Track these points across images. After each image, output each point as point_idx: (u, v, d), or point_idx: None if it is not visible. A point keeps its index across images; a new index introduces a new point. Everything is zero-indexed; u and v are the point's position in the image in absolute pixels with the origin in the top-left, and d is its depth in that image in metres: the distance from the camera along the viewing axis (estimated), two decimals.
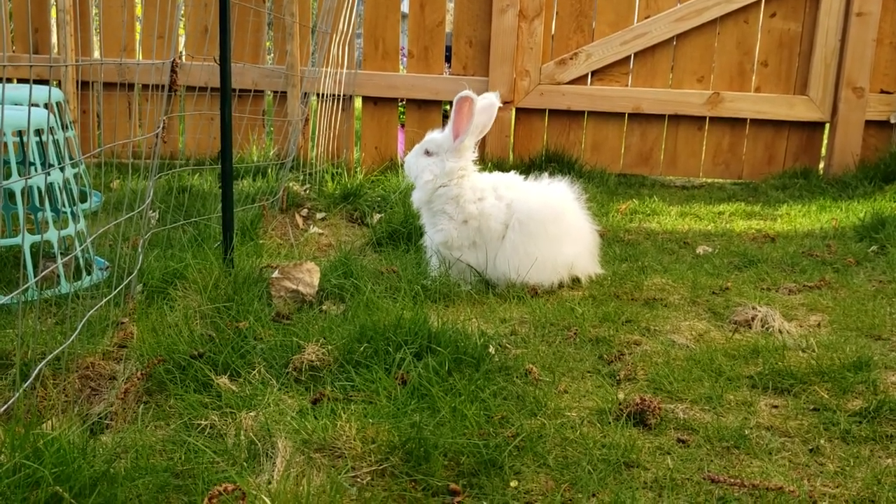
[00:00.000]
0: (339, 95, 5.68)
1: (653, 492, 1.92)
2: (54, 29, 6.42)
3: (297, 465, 1.87)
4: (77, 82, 6.30)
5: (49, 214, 3.40)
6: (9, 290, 3.30)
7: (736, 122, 6.18)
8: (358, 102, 6.57)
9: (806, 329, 3.07)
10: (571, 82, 6.16)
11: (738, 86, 6.14)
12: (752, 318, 3.08)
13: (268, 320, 2.78)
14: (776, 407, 2.41)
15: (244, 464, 1.89)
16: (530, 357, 2.67)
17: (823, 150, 6.30)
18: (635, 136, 6.26)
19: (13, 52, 6.58)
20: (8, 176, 3.50)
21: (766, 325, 3.04)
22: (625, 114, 6.21)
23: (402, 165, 5.69)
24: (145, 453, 1.91)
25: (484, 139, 5.96)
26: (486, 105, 3.37)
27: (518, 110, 6.22)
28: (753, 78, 6.14)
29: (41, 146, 3.77)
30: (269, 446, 1.92)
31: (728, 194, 5.81)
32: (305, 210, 4.88)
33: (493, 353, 2.61)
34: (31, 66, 2.30)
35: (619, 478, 1.97)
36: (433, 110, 6.26)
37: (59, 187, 3.47)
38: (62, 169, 3.51)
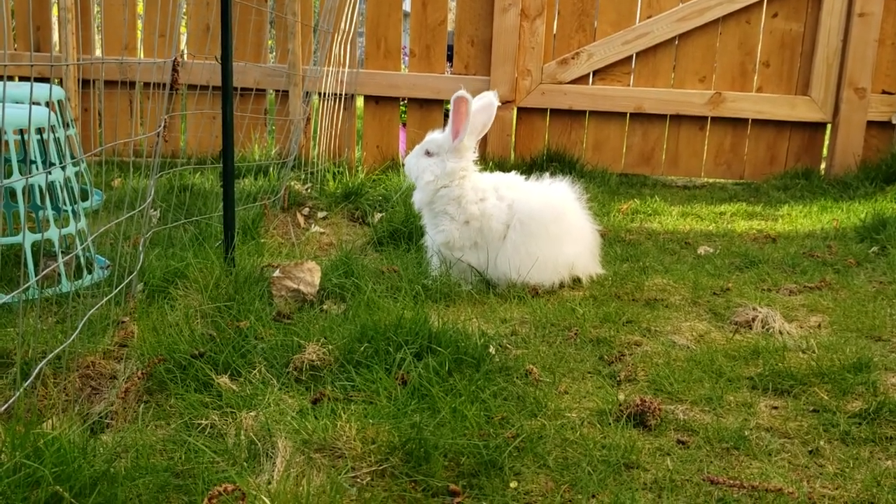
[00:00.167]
0: (340, 94, 5.68)
1: (652, 493, 1.93)
2: (55, 27, 6.42)
3: (297, 465, 1.87)
4: (78, 80, 6.30)
5: (50, 213, 3.40)
6: (10, 288, 3.31)
7: (738, 123, 6.17)
8: (359, 101, 6.57)
9: (806, 330, 3.07)
10: (573, 82, 6.15)
11: (740, 86, 6.14)
12: (753, 319, 3.08)
13: (269, 320, 2.78)
14: (776, 408, 2.41)
15: (244, 464, 1.89)
16: (531, 357, 2.67)
17: (825, 151, 6.30)
18: (637, 136, 6.26)
19: (14, 49, 6.58)
20: (9, 174, 3.50)
21: (767, 326, 3.04)
22: (626, 113, 6.20)
23: (403, 165, 5.70)
24: (146, 453, 1.91)
25: (485, 138, 5.96)
26: (485, 104, 3.37)
27: (519, 110, 6.22)
28: (755, 78, 6.14)
29: (42, 144, 3.78)
30: (270, 446, 1.92)
31: (729, 194, 5.81)
32: (307, 209, 4.88)
33: (494, 353, 2.61)
34: (31, 65, 2.30)
35: (619, 479, 1.97)
36: (435, 109, 6.26)
37: (60, 186, 3.47)
38: (63, 168, 3.51)
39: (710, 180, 6.33)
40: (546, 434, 2.15)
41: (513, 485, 1.92)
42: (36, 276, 3.18)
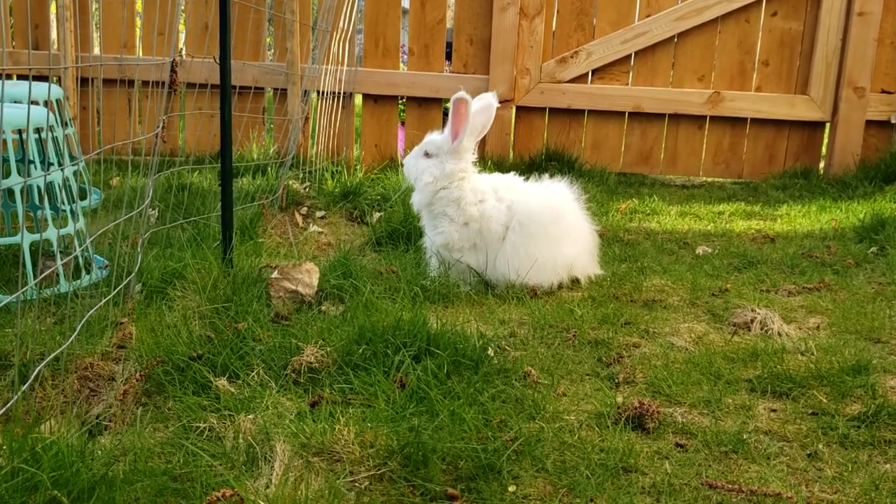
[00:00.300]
0: (339, 93, 5.67)
1: (651, 497, 1.93)
2: (54, 24, 6.41)
3: (295, 469, 1.87)
4: (77, 79, 6.28)
5: (48, 213, 3.39)
6: (8, 288, 3.30)
7: (736, 122, 6.17)
8: (358, 100, 6.56)
9: (805, 332, 3.07)
10: (572, 81, 6.15)
11: (739, 85, 6.13)
12: (752, 321, 3.08)
13: (267, 321, 2.78)
14: (775, 411, 2.41)
15: (242, 468, 1.89)
16: (529, 359, 2.67)
17: (824, 150, 6.29)
18: (635, 135, 6.25)
19: (13, 47, 6.56)
20: (8, 174, 3.49)
21: (766, 328, 3.04)
22: (625, 113, 6.20)
23: (402, 164, 5.70)
24: (144, 456, 1.91)
25: (484, 138, 5.92)
26: (484, 105, 3.36)
27: (518, 108, 6.21)
28: (754, 77, 6.13)
29: (41, 143, 3.77)
30: (268, 450, 1.92)
31: (728, 194, 5.81)
32: (305, 208, 4.87)
33: (492, 355, 2.61)
34: (30, 68, 2.30)
35: (617, 482, 1.97)
36: (433, 108, 6.25)
37: (59, 186, 3.47)
38: (62, 168, 3.50)
39: (709, 179, 6.33)
40: (544, 437, 2.15)
41: (511, 489, 1.92)
42: (34, 276, 3.18)
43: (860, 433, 2.25)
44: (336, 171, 5.40)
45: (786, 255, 4.10)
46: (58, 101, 4.75)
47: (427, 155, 3.37)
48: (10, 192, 3.60)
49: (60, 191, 3.49)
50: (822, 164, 6.23)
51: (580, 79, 6.16)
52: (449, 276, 3.36)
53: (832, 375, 2.56)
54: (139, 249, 3.08)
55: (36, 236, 3.34)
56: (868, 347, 2.89)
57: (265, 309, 2.91)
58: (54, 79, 6.30)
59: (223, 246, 3.19)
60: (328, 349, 2.49)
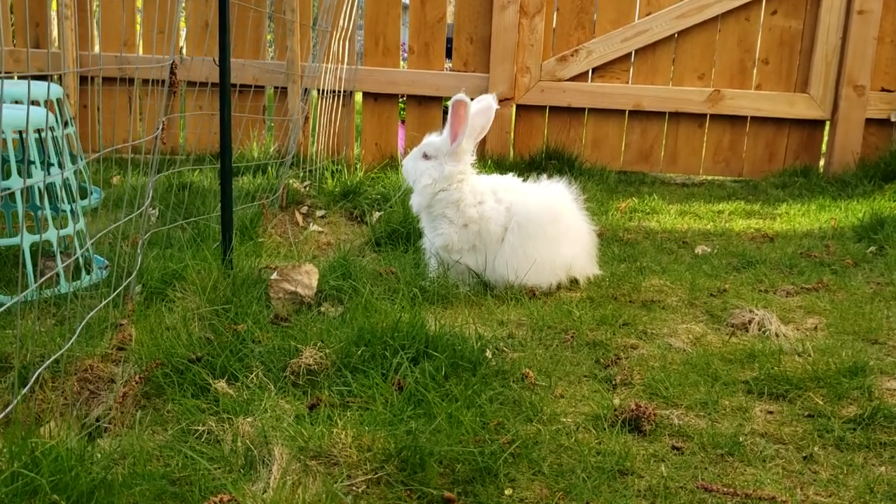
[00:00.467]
0: (339, 91, 5.68)
1: (646, 500, 1.94)
2: (54, 22, 6.42)
3: (293, 472, 1.88)
4: (77, 77, 6.29)
5: (48, 213, 3.40)
6: (9, 289, 3.31)
7: (736, 120, 6.17)
8: (358, 98, 6.57)
9: (803, 332, 3.08)
10: (572, 79, 6.15)
11: (739, 83, 6.13)
12: (749, 322, 3.09)
13: (266, 322, 2.79)
14: (771, 413, 2.42)
15: (241, 471, 1.90)
16: (527, 361, 2.68)
17: (824, 148, 6.30)
18: (636, 134, 6.25)
19: (13, 46, 6.57)
20: (8, 174, 3.50)
21: (763, 329, 3.05)
22: (625, 111, 6.20)
23: (401, 163, 5.70)
24: (142, 460, 1.92)
25: (484, 136, 5.95)
26: (484, 107, 3.37)
27: (519, 107, 6.22)
28: (754, 75, 6.13)
29: (41, 143, 3.78)
30: (266, 453, 1.93)
31: (728, 192, 5.81)
32: (305, 207, 4.89)
33: (490, 357, 2.62)
34: (29, 77, 2.31)
35: (613, 486, 1.98)
36: (433, 106, 6.26)
37: (59, 186, 3.48)
38: (62, 169, 3.51)
39: (709, 178, 6.33)
40: (541, 440, 2.16)
41: (507, 492, 1.93)
42: (35, 276, 3.19)
43: (856, 435, 2.26)
44: (336, 170, 5.41)
45: (784, 254, 4.10)
46: (58, 100, 4.76)
47: (426, 157, 3.38)
48: (10, 192, 3.61)
49: (61, 190, 3.50)
50: (821, 163, 6.23)
51: (580, 77, 6.16)
52: (448, 277, 3.37)
53: (829, 377, 2.57)
54: (139, 251, 3.09)
55: (36, 237, 3.35)
56: (865, 349, 2.90)
57: (265, 310, 2.93)
58: (55, 77, 6.32)
59: (223, 247, 3.20)
60: (327, 351, 2.50)
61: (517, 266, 3.33)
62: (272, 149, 5.90)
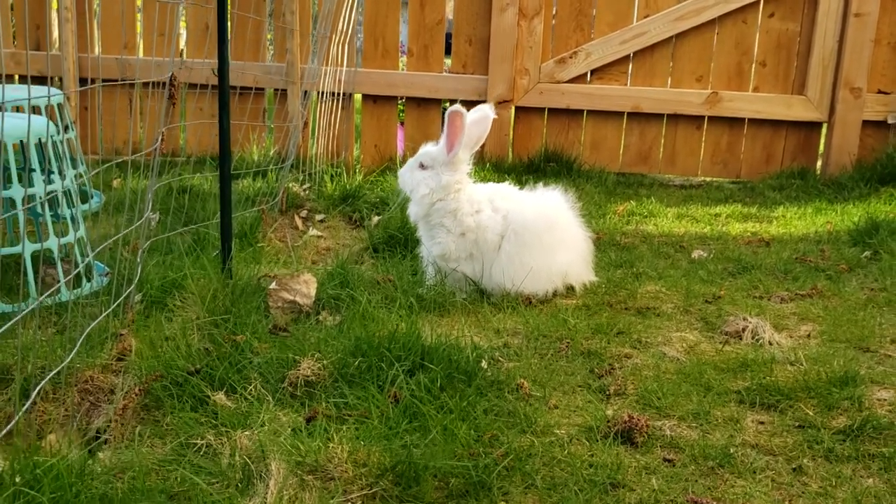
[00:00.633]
0: (338, 93, 5.70)
1: None
2: (55, 23, 6.44)
3: (289, 487, 1.92)
4: (77, 79, 6.32)
5: (49, 221, 3.44)
6: (10, 297, 3.35)
7: (734, 122, 6.20)
8: (357, 99, 6.59)
9: (796, 340, 3.11)
10: (571, 81, 6.17)
11: (737, 85, 6.16)
12: (743, 330, 3.12)
13: (265, 332, 2.82)
14: (762, 423, 2.45)
15: (238, 486, 1.93)
16: (522, 371, 2.71)
17: (821, 149, 6.32)
18: (634, 135, 6.28)
19: (14, 48, 6.60)
20: (9, 180, 3.53)
21: (757, 337, 3.08)
22: (624, 113, 6.23)
23: (401, 165, 5.73)
24: (142, 475, 1.96)
25: None
26: (480, 117, 3.39)
27: (517, 109, 6.24)
28: (752, 78, 6.16)
29: (41, 148, 3.81)
30: (263, 468, 1.97)
31: (726, 195, 5.83)
32: (305, 211, 4.92)
33: (486, 367, 2.66)
34: (28, 91, 2.34)
35: (605, 499, 2.02)
36: (432, 108, 6.28)
37: (60, 193, 3.51)
38: (62, 177, 3.54)
39: (707, 179, 6.35)
40: (535, 452, 2.20)
41: None
42: (36, 284, 3.22)
43: (845, 447, 2.29)
44: (335, 173, 5.44)
45: (780, 259, 4.13)
46: (58, 105, 4.79)
47: (422, 166, 3.41)
48: (11, 200, 3.64)
49: (62, 197, 3.53)
50: (819, 164, 6.25)
51: (579, 79, 6.19)
52: (445, 285, 3.40)
53: (820, 387, 2.61)
54: (139, 260, 3.12)
55: (37, 246, 3.38)
56: (857, 357, 2.93)
57: (264, 320, 2.96)
58: (56, 80, 6.35)
59: (222, 256, 3.23)
60: (324, 362, 2.54)
61: (514, 274, 3.36)
62: (272, 152, 5.93)
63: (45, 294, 2.55)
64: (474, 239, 3.39)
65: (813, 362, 2.83)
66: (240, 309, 2.94)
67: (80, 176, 4.84)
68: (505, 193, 3.49)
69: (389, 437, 2.11)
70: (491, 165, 5.80)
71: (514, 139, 6.32)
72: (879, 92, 6.03)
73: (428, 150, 3.41)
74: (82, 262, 3.44)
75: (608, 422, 2.35)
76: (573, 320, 3.16)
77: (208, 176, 5.24)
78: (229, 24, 3.29)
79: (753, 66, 6.14)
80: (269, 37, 7.08)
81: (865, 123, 6.02)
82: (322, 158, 5.54)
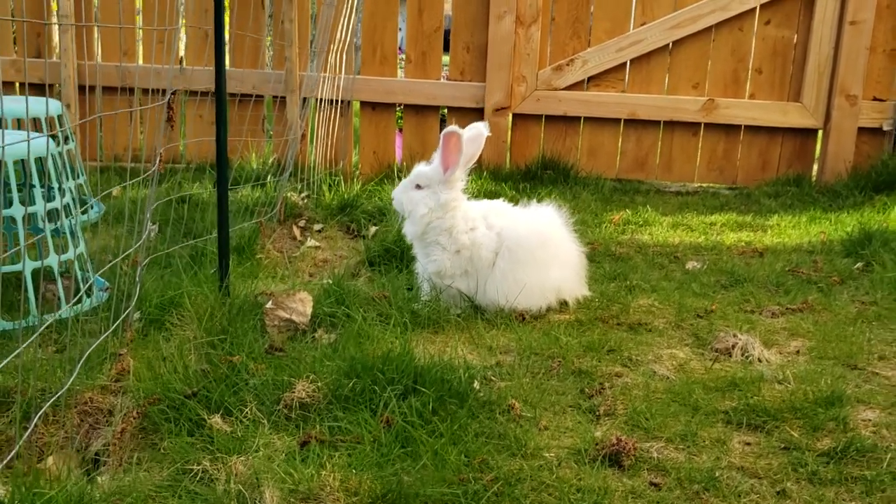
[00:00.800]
0: (337, 101, 5.74)
1: None
2: (55, 28, 6.47)
3: None
4: (77, 87, 6.35)
5: (49, 237, 3.48)
6: (10, 314, 3.39)
7: (730, 129, 6.23)
8: (356, 106, 6.63)
9: (785, 357, 3.15)
10: (568, 88, 6.21)
11: (733, 92, 6.19)
12: (733, 346, 3.17)
13: (261, 352, 2.87)
14: (748, 444, 2.50)
15: None
16: (514, 391, 2.75)
17: (817, 156, 6.36)
18: (631, 142, 6.32)
19: (15, 55, 6.64)
20: (9, 196, 3.57)
21: (746, 354, 3.13)
22: (621, 120, 6.26)
23: (399, 173, 5.78)
24: (139, 502, 2.00)
25: None
26: (475, 135, 3.43)
27: (515, 116, 6.28)
28: (748, 85, 6.19)
29: (41, 163, 3.85)
30: (258, 496, 2.02)
31: (721, 202, 5.87)
32: (303, 221, 4.96)
33: (478, 387, 2.70)
34: (27, 94, 2.38)
35: None
36: (431, 115, 6.32)
37: (60, 208, 3.56)
38: (63, 193, 3.59)
39: (704, 185, 6.39)
40: (523, 476, 2.24)
41: None
42: (36, 301, 3.27)
43: (828, 469, 2.34)
44: (333, 182, 5.48)
45: (773, 271, 4.17)
46: (58, 116, 4.84)
47: (419, 187, 3.44)
48: (12, 216, 3.69)
49: (64, 209, 3.57)
50: (815, 170, 6.28)
51: (576, 86, 6.22)
52: (440, 302, 3.45)
53: (806, 407, 2.65)
54: (138, 279, 3.17)
55: (37, 263, 3.43)
56: (844, 375, 2.98)
57: (260, 338, 3.01)
58: (56, 86, 6.39)
59: (220, 274, 3.28)
60: (319, 384, 2.58)
61: (507, 290, 3.41)
62: (271, 160, 5.97)
63: (46, 323, 2.59)
64: (469, 256, 3.44)
65: (800, 381, 2.87)
66: (236, 328, 2.99)
67: (81, 187, 4.89)
68: (499, 210, 3.53)
69: (381, 464, 2.16)
70: (488, 173, 5.84)
71: (511, 146, 6.36)
72: (875, 99, 6.06)
73: (423, 170, 3.45)
74: (82, 277, 3.49)
75: (597, 444, 2.40)
76: (565, 338, 3.21)
77: (207, 186, 5.29)
78: (227, 33, 3.34)
79: (749, 73, 6.17)
80: (268, 38, 7.12)
81: (861, 130, 6.05)
82: (320, 169, 5.58)
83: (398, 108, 6.44)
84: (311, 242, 4.66)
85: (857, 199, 5.51)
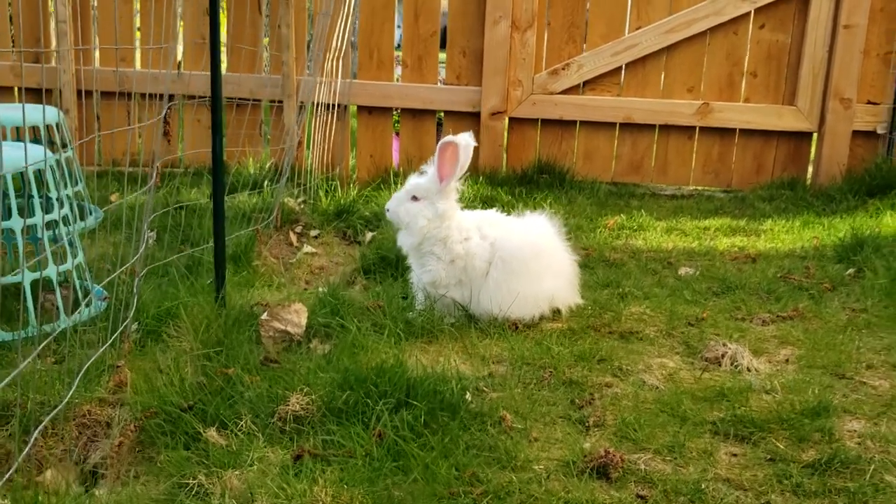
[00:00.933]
0: (333, 105, 5.78)
1: None
2: (51, 30, 6.51)
3: None
4: (76, 91, 6.39)
5: (48, 247, 3.52)
6: (9, 324, 3.44)
7: (725, 132, 6.27)
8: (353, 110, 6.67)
9: (774, 366, 3.20)
10: (564, 92, 6.25)
11: (728, 96, 6.23)
12: (722, 356, 3.21)
13: (256, 364, 2.91)
14: (735, 456, 2.54)
15: None
16: (505, 402, 2.80)
17: (812, 158, 6.40)
18: (626, 146, 6.36)
19: (13, 60, 6.67)
20: (8, 207, 3.61)
21: (735, 363, 3.17)
22: (616, 123, 6.30)
23: (396, 177, 5.82)
24: None
25: (477, 150, 6.03)
26: (463, 146, 3.44)
27: (511, 120, 6.32)
28: (742, 88, 6.23)
29: (40, 175, 3.89)
30: None
31: (716, 206, 5.91)
32: (300, 227, 5.01)
33: (470, 399, 2.75)
34: (24, 108, 2.42)
35: None
36: (427, 119, 6.36)
37: (59, 219, 3.60)
38: (61, 204, 3.63)
39: (699, 188, 6.43)
40: (513, 490, 2.29)
41: None
42: (35, 312, 3.31)
43: (812, 481, 2.38)
44: (330, 187, 5.52)
45: (765, 277, 4.21)
46: (57, 125, 4.87)
47: (415, 199, 3.48)
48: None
49: (63, 217, 3.61)
50: (810, 172, 6.32)
51: (572, 90, 6.26)
52: (435, 311, 3.49)
53: (792, 418, 2.70)
54: (135, 290, 3.21)
55: (36, 274, 3.47)
56: (832, 384, 3.02)
57: (256, 349, 3.05)
58: (55, 91, 6.42)
59: (216, 285, 3.32)
60: (313, 396, 2.63)
61: (501, 300, 3.45)
62: (268, 164, 6.00)
63: (46, 340, 2.63)
64: (463, 266, 3.48)
65: (788, 391, 2.92)
66: (232, 339, 3.03)
67: (80, 194, 4.93)
68: (492, 220, 3.57)
69: (372, 479, 2.21)
70: (485, 178, 5.88)
71: (507, 150, 6.39)
72: (869, 102, 6.10)
73: (419, 182, 3.48)
74: (80, 286, 3.54)
75: (585, 457, 2.44)
76: (557, 347, 3.25)
77: (205, 192, 5.33)
78: (225, 36, 3.37)
79: (744, 76, 6.21)
80: (265, 40, 7.15)
81: (855, 133, 6.09)
82: (317, 175, 5.62)
83: (395, 112, 6.48)
84: (307, 249, 4.70)
85: (851, 204, 5.54)
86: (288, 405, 2.57)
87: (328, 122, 5.79)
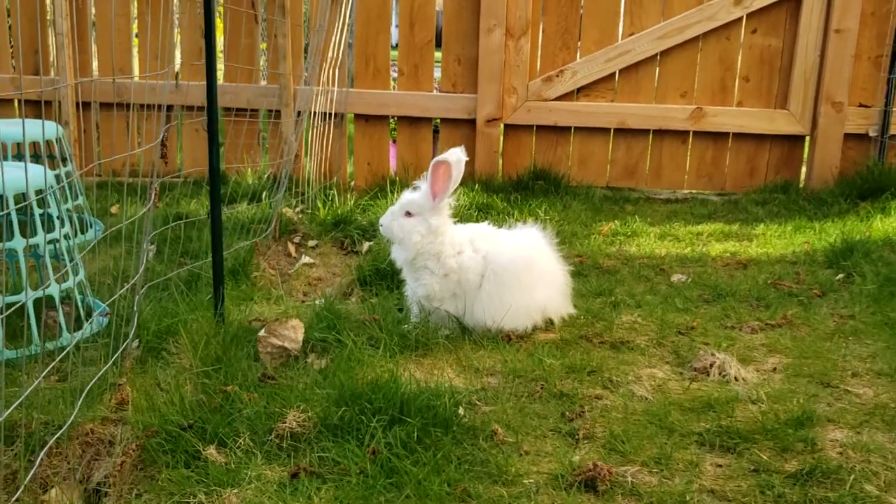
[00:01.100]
0: (330, 114, 5.85)
1: None
2: (51, 42, 6.58)
3: None
4: (76, 103, 6.46)
5: (49, 265, 3.60)
6: (13, 341, 3.51)
7: (718, 136, 6.34)
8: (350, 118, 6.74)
9: (761, 375, 3.26)
10: (558, 98, 6.31)
11: (721, 100, 6.29)
12: (711, 365, 3.28)
13: (254, 380, 2.99)
14: (720, 466, 2.61)
15: None
16: (497, 415, 2.87)
17: (804, 161, 6.46)
18: (621, 151, 6.42)
19: (13, 72, 6.75)
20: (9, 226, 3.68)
21: (723, 373, 3.23)
22: (610, 129, 6.37)
23: (393, 185, 5.89)
24: None
25: (472, 157, 6.14)
26: (454, 161, 3.51)
27: (506, 126, 6.39)
28: (735, 93, 6.29)
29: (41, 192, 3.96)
30: None
31: (710, 210, 5.97)
32: (298, 237, 5.08)
33: (463, 413, 2.82)
34: (23, 118, 2.49)
35: None
36: (424, 127, 6.43)
37: (60, 237, 3.67)
38: (62, 223, 3.70)
39: (693, 192, 6.49)
40: None
41: None
42: (38, 330, 3.39)
43: (794, 491, 2.45)
44: (328, 196, 5.59)
45: (755, 284, 4.27)
46: (58, 139, 4.95)
47: (409, 214, 3.55)
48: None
49: (62, 240, 3.69)
50: (803, 175, 6.38)
51: (566, 96, 6.33)
52: (429, 323, 3.56)
53: (777, 429, 2.76)
54: (135, 307, 3.29)
55: (39, 293, 3.54)
56: (817, 393, 3.09)
57: (254, 365, 3.13)
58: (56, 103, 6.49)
59: (214, 301, 3.39)
60: (309, 413, 2.70)
61: (494, 312, 3.52)
62: (267, 174, 6.07)
63: (52, 364, 2.70)
64: (457, 279, 3.55)
65: (774, 401, 2.98)
66: (230, 356, 3.11)
67: (80, 207, 5.00)
68: (485, 234, 3.64)
69: (367, 496, 2.28)
70: (480, 185, 5.95)
71: (503, 157, 6.46)
72: (861, 105, 6.17)
73: (412, 197, 3.55)
74: (82, 302, 3.61)
75: (574, 470, 2.51)
76: (549, 359, 3.32)
77: (204, 203, 5.40)
78: (223, 43, 3.44)
79: (737, 81, 6.28)
80: (262, 46, 7.21)
81: (847, 136, 6.16)
82: (315, 186, 5.69)
83: (392, 120, 6.55)
84: (305, 259, 4.77)
85: (843, 207, 5.61)
86: (285, 422, 2.65)
87: (325, 130, 5.86)
